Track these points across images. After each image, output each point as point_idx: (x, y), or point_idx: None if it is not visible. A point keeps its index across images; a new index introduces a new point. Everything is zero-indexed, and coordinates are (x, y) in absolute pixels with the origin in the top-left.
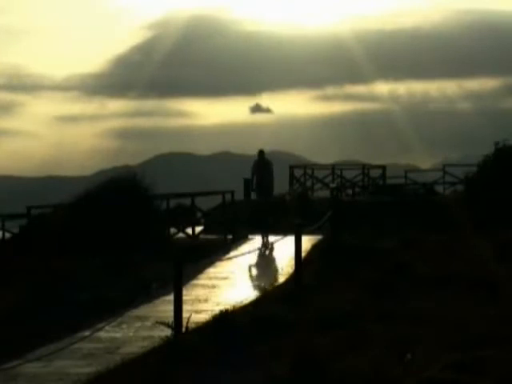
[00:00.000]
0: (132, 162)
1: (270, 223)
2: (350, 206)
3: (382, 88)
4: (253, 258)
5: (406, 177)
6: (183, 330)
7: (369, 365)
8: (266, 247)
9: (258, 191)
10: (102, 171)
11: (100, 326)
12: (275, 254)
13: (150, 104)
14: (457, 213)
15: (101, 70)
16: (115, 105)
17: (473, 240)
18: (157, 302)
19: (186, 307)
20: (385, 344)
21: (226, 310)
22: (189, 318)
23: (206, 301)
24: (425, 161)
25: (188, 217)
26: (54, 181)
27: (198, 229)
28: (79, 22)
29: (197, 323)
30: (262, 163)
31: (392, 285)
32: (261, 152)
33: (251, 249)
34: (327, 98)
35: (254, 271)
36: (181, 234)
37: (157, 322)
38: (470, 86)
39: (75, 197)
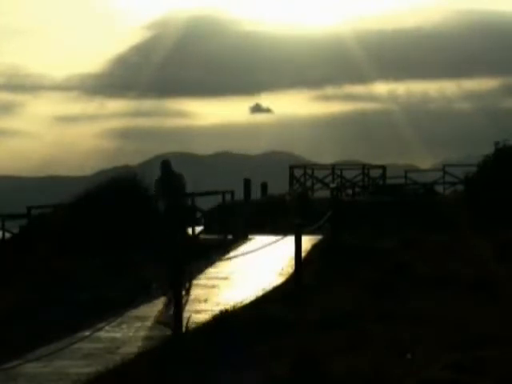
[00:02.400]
0: (132, 162)
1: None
2: (350, 206)
3: (382, 88)
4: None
5: (405, 177)
6: (183, 330)
7: (369, 365)
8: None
9: (168, 221)
10: (102, 171)
11: (100, 325)
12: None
13: (150, 104)
14: (457, 213)
15: (101, 70)
16: (115, 105)
17: (473, 240)
18: (157, 301)
19: (186, 307)
20: (385, 344)
21: (226, 310)
22: (189, 318)
23: (205, 301)
24: (425, 161)
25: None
26: (54, 181)
27: (198, 229)
28: (79, 22)
29: (197, 323)
30: (169, 180)
31: (392, 285)
32: (165, 163)
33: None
34: (327, 98)
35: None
36: None
37: (157, 322)
38: (470, 86)
39: (75, 197)
